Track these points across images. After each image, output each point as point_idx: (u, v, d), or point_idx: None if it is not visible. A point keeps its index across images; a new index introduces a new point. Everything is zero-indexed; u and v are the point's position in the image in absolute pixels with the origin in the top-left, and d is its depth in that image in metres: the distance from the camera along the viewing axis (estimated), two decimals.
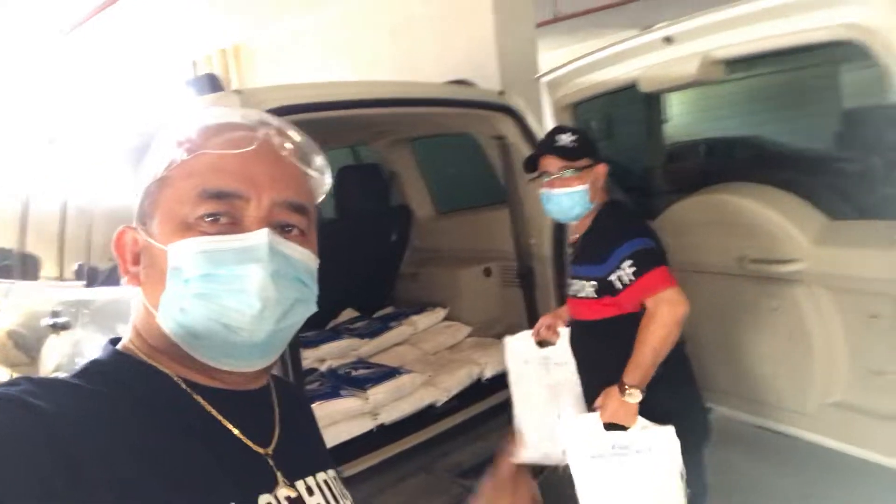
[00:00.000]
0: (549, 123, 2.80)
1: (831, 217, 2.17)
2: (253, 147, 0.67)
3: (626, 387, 1.78)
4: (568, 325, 2.16)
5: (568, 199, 1.89)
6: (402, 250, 3.88)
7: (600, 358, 1.96)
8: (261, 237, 0.65)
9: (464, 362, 2.92)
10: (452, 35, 4.24)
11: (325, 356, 3.02)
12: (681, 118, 5.38)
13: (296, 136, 0.72)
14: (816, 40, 1.76)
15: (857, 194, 2.76)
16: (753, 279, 2.24)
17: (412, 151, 3.82)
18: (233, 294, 0.64)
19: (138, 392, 0.63)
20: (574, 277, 1.99)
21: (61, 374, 0.65)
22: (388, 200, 3.81)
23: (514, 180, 2.98)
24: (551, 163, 1.90)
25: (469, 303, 3.41)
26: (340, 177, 3.40)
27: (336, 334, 3.23)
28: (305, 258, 0.69)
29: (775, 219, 2.12)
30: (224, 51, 5.95)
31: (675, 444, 1.72)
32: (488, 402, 2.74)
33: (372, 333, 3.20)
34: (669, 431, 1.75)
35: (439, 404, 2.65)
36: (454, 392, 2.73)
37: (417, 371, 2.76)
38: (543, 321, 2.23)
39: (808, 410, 2.10)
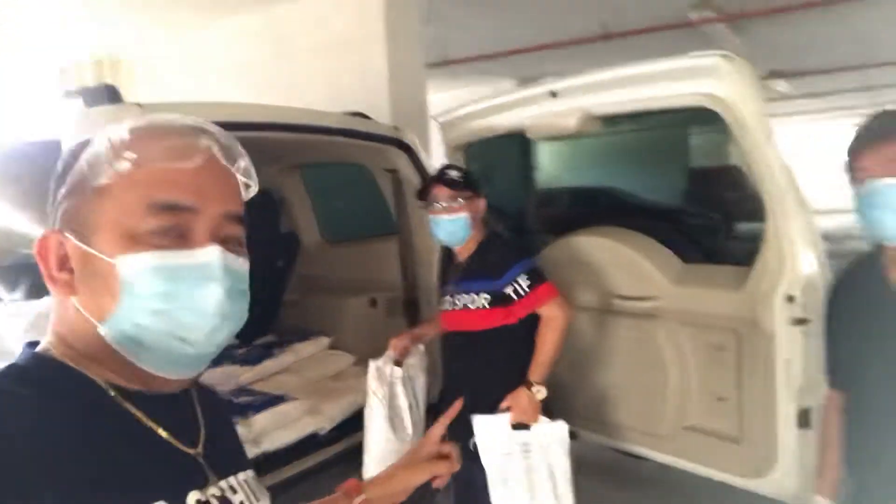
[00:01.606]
0: (438, 160, 2.96)
1: (684, 260, 2.46)
2: (200, 158, 0.67)
3: (533, 384, 2.03)
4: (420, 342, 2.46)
5: (453, 224, 2.18)
6: (287, 277, 3.85)
7: (486, 362, 2.18)
8: (214, 254, 0.66)
9: (348, 391, 2.94)
10: (342, 68, 4.32)
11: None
12: (548, 167, 5.78)
13: (231, 143, 0.72)
14: (679, 105, 2.03)
15: (703, 242, 3.13)
16: (618, 314, 2.48)
17: (302, 178, 3.82)
18: (190, 312, 0.65)
19: (63, 395, 0.62)
20: (461, 292, 2.21)
21: None
22: (277, 226, 3.78)
23: (405, 212, 3.08)
24: (441, 192, 2.18)
25: (353, 332, 3.44)
26: None
27: (215, 361, 3.12)
28: (245, 268, 0.71)
29: (639, 260, 2.37)
30: (100, 61, 5.64)
31: (566, 438, 1.89)
32: None
33: (253, 360, 3.13)
34: (562, 427, 1.93)
35: (323, 432, 2.65)
36: (338, 420, 2.74)
37: (301, 399, 2.74)
38: (400, 342, 2.39)
39: (664, 434, 2.33)
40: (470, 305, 2.18)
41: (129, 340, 0.64)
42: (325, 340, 3.41)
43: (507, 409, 2.07)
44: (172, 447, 0.68)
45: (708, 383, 2.24)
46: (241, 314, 0.69)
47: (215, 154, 0.69)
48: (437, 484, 1.03)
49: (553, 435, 2.04)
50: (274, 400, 2.64)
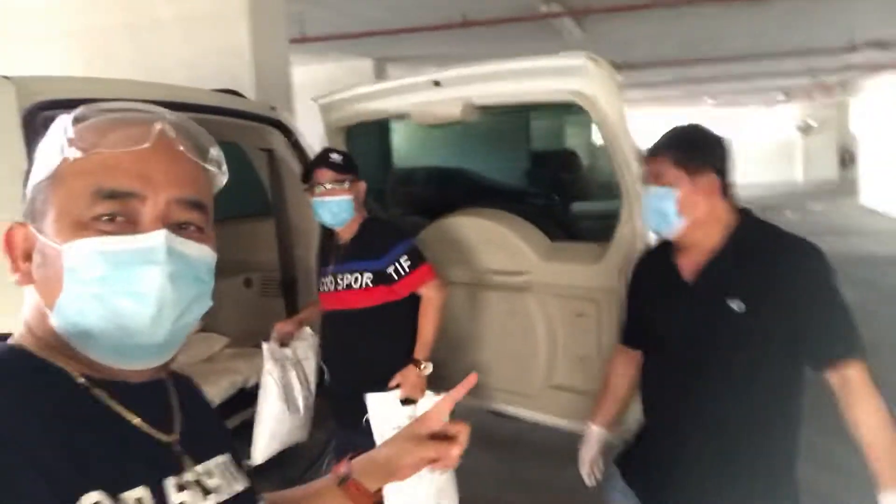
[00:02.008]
0: (310, 138, 3.00)
1: (550, 238, 2.74)
2: (148, 144, 0.66)
3: (420, 363, 2.20)
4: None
5: (336, 206, 2.25)
6: None
7: (371, 338, 2.30)
8: (158, 238, 0.65)
9: (224, 372, 2.91)
10: (204, 42, 4.15)
11: None
12: (399, 149, 5.94)
13: (192, 129, 0.72)
14: (551, 99, 2.26)
15: (546, 221, 3.46)
16: (493, 288, 2.71)
17: None
18: (130, 296, 0.64)
19: (37, 386, 0.63)
20: (345, 272, 2.30)
21: None
22: None
23: (282, 192, 3.08)
24: (324, 175, 2.24)
25: (226, 314, 3.38)
26: None
27: None
28: (203, 255, 0.70)
29: (513, 239, 2.61)
30: None
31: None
32: (253, 410, 2.79)
33: None
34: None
35: None
36: (218, 402, 2.72)
37: None
38: (285, 328, 2.50)
39: (533, 393, 2.60)
40: (353, 285, 2.28)
41: (75, 328, 0.64)
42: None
43: (397, 387, 2.23)
44: (147, 435, 0.68)
45: (572, 346, 2.53)
46: (189, 301, 0.68)
47: (170, 141, 0.69)
48: (437, 466, 0.90)
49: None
50: None
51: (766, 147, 23.19)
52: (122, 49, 4.37)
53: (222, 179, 0.75)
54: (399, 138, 5.59)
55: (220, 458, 0.77)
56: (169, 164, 0.68)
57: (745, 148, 23.27)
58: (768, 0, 6.05)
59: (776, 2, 6.22)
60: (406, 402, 2.21)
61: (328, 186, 2.23)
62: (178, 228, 0.68)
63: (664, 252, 1.69)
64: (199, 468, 0.72)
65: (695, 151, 1.55)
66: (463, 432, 0.90)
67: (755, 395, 1.50)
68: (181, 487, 0.67)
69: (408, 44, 7.39)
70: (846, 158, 22.07)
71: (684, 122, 1.65)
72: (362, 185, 2.32)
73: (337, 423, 2.47)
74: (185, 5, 4.19)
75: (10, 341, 0.68)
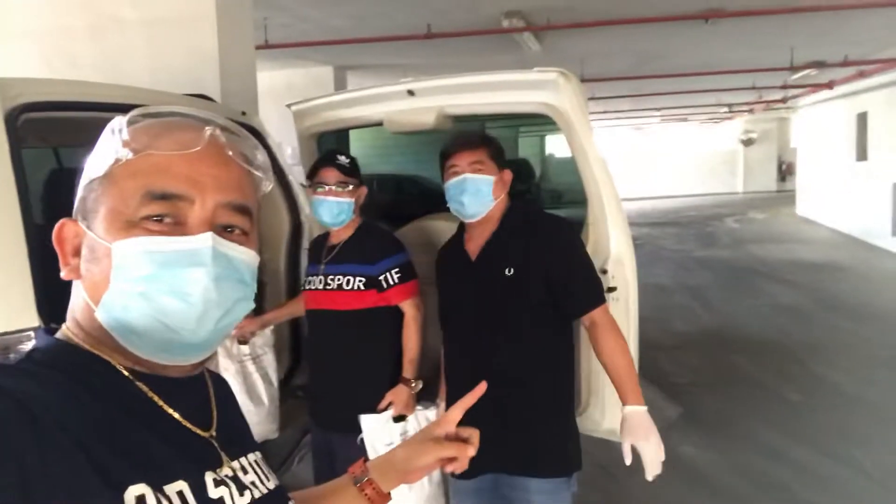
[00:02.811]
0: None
1: None
2: (199, 148, 0.68)
3: (410, 381, 2.25)
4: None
5: (337, 206, 2.29)
6: None
7: (359, 340, 2.34)
8: (205, 241, 0.66)
9: None
10: (169, 46, 4.13)
11: None
12: (357, 153, 6.01)
13: (241, 134, 0.74)
14: (522, 111, 2.36)
15: None
16: None
17: None
18: (175, 296, 0.65)
19: (82, 378, 0.64)
20: (337, 273, 2.34)
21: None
22: None
23: None
24: (330, 175, 2.28)
25: None
26: (53, 181, 3.10)
27: None
28: (247, 258, 0.71)
29: None
30: None
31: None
32: None
33: None
34: (433, 411, 2.19)
35: None
36: None
37: None
38: (249, 326, 2.56)
39: None
40: (345, 286, 2.31)
41: (120, 324, 0.66)
42: None
43: (389, 405, 2.28)
44: (186, 429, 0.70)
45: None
46: (233, 302, 0.70)
47: (219, 146, 0.70)
48: (452, 466, 0.94)
49: (426, 419, 2.31)
50: None
51: (710, 159, 24.08)
52: (83, 50, 4.32)
53: (268, 185, 0.77)
54: (357, 147, 5.66)
55: (253, 456, 0.79)
56: (218, 168, 0.69)
57: (689, 160, 24.18)
58: (715, 20, 6.35)
59: (723, 22, 6.54)
60: (398, 418, 2.28)
61: (332, 187, 2.26)
62: (224, 231, 0.69)
63: (457, 241, 2.06)
64: (235, 464, 0.74)
65: (501, 151, 1.99)
66: (475, 435, 0.95)
67: (531, 344, 1.85)
68: (219, 482, 0.69)
69: (369, 53, 7.45)
70: (785, 171, 23.10)
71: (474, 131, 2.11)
72: (364, 190, 2.37)
73: (314, 422, 2.46)
74: (149, 8, 4.17)
75: (57, 334, 0.70)
